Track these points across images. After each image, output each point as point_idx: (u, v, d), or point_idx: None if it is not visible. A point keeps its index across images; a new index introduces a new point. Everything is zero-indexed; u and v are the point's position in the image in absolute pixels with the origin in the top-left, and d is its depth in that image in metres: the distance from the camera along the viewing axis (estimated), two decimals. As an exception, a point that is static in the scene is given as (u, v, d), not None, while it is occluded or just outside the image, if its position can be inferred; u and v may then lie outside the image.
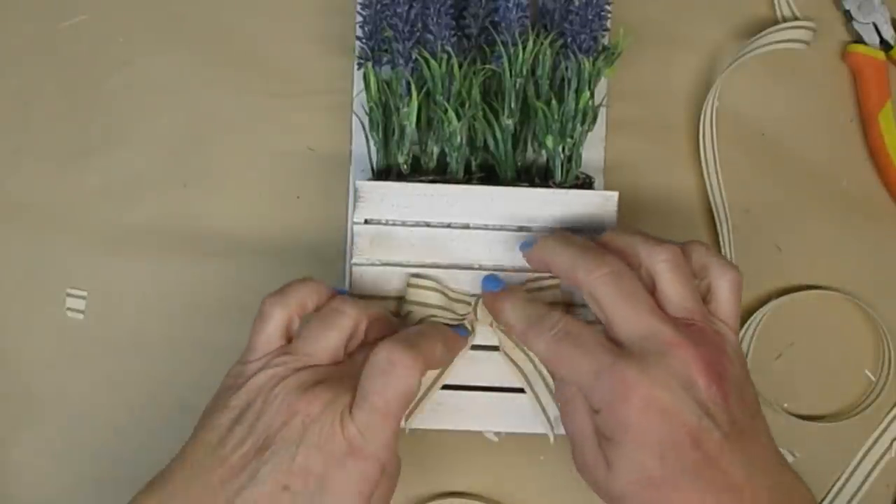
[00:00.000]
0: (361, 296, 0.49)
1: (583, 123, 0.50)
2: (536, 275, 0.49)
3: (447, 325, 0.48)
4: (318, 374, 0.43)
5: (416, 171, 0.51)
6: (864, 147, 0.56)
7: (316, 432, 0.41)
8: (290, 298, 0.45)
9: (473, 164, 0.51)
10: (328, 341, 0.44)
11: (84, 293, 0.54)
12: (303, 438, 0.41)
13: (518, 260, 0.49)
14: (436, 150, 0.50)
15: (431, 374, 0.48)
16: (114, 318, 0.54)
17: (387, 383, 0.41)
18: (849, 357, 0.55)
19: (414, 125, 0.49)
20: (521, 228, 0.49)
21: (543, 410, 0.48)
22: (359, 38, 0.51)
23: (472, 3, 0.50)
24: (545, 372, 0.48)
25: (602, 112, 0.53)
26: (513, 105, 0.50)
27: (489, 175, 0.52)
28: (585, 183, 0.51)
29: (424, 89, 0.49)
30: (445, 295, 0.48)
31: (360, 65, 0.51)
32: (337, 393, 0.42)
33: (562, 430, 0.49)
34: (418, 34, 0.49)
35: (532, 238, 0.47)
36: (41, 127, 0.55)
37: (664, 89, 0.55)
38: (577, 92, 0.49)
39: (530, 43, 0.49)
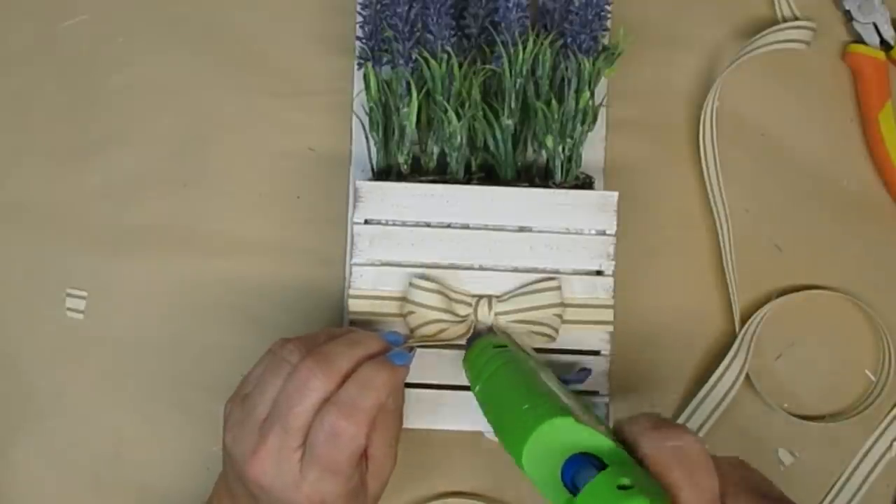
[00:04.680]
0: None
1: (583, 123, 0.50)
2: (535, 276, 0.49)
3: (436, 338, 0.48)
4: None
5: (416, 171, 0.51)
6: (864, 147, 0.56)
7: None
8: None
9: (473, 164, 0.51)
10: (272, 393, 0.43)
11: (84, 293, 0.54)
12: None
13: (517, 260, 0.49)
14: (436, 150, 0.50)
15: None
16: (114, 318, 0.54)
17: (334, 447, 0.41)
18: (849, 357, 0.55)
19: (414, 125, 0.49)
20: (521, 228, 0.49)
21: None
22: (359, 38, 0.51)
23: (472, 3, 0.50)
24: (548, 370, 0.48)
25: (602, 112, 0.53)
26: (513, 105, 0.50)
27: (489, 175, 0.52)
28: (585, 183, 0.51)
29: (424, 89, 0.49)
30: (446, 296, 0.48)
31: (360, 65, 0.51)
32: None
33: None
34: (418, 34, 0.49)
35: None
36: (41, 127, 0.55)
37: (664, 89, 0.55)
38: (577, 92, 0.49)
39: (530, 43, 0.49)
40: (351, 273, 0.49)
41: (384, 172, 0.51)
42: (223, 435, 0.44)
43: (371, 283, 0.49)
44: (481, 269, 0.49)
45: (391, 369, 0.43)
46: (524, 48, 0.49)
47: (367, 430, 0.41)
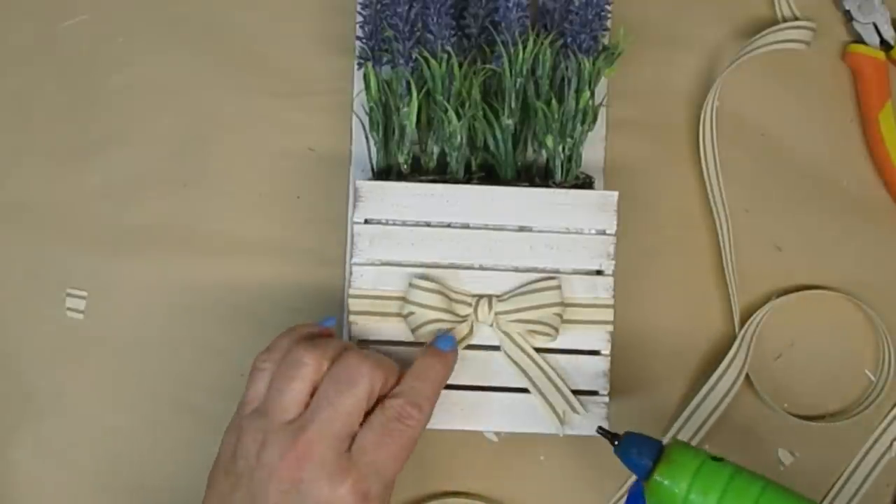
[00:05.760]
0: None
1: (583, 123, 0.50)
2: (535, 276, 0.49)
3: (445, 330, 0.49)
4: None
5: (416, 171, 0.51)
6: (864, 147, 0.56)
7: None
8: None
9: (473, 164, 0.51)
10: (293, 394, 0.43)
11: (84, 293, 0.54)
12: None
13: (517, 260, 0.49)
14: (436, 150, 0.50)
15: None
16: (114, 318, 0.54)
17: (399, 431, 0.44)
18: (849, 357, 0.55)
19: (414, 125, 0.49)
20: (521, 228, 0.49)
21: (552, 408, 0.48)
22: (359, 38, 0.51)
23: (472, 3, 0.50)
24: (548, 369, 0.48)
25: (602, 112, 0.53)
26: (513, 105, 0.50)
27: (489, 175, 0.52)
28: (585, 183, 0.51)
29: (424, 89, 0.49)
30: (446, 296, 0.48)
31: (360, 65, 0.51)
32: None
33: (570, 429, 0.49)
34: (418, 34, 0.49)
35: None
36: (41, 127, 0.55)
37: (664, 89, 0.55)
38: (577, 92, 0.49)
39: (530, 43, 0.49)
40: (351, 273, 0.49)
41: (384, 172, 0.51)
42: (225, 451, 0.45)
43: (371, 283, 0.49)
44: (481, 268, 0.49)
45: (442, 356, 0.47)
46: (524, 48, 0.49)
47: (427, 420, 0.45)
